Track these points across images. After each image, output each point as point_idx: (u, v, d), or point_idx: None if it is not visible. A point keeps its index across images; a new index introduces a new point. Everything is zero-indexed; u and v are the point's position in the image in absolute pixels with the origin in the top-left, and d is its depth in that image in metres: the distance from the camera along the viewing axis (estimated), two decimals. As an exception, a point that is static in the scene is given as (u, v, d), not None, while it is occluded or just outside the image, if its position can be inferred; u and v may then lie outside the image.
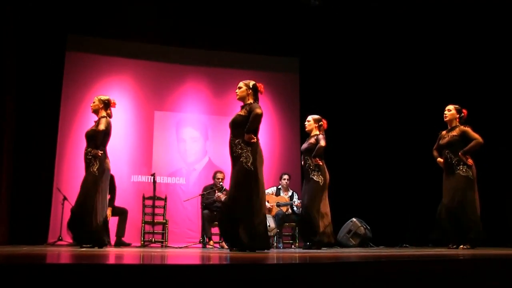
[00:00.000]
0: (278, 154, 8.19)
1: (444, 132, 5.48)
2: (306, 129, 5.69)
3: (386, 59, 8.14)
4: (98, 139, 5.02)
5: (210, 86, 8.18)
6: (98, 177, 4.96)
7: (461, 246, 5.10)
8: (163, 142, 7.89)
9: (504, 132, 6.86)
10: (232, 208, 4.25)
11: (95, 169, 4.96)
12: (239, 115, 4.43)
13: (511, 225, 6.64)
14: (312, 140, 5.52)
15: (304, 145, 5.62)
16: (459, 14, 7.26)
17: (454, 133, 5.33)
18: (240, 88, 4.52)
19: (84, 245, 4.96)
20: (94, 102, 5.28)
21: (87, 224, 4.84)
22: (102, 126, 5.05)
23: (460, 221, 5.10)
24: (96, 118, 5.26)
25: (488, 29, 7.16)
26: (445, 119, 5.48)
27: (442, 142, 5.42)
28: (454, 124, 5.42)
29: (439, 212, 5.35)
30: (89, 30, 7.63)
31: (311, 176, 5.40)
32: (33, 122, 7.12)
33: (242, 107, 4.50)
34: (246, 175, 4.25)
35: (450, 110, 5.45)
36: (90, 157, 5.01)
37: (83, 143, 5.20)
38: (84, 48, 7.68)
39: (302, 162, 5.65)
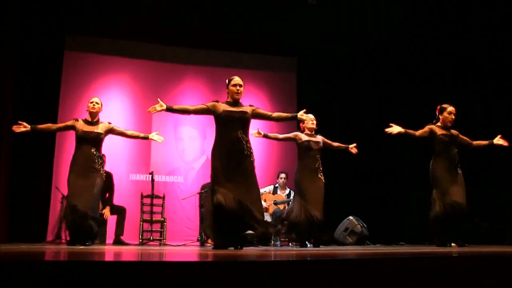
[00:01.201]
0: (275, 153, 8.21)
1: (446, 132, 5.30)
2: (314, 128, 5.71)
3: (384, 58, 8.14)
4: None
5: (208, 85, 8.19)
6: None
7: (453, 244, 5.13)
8: (161, 141, 7.88)
9: (503, 131, 6.86)
10: (254, 205, 4.25)
11: (103, 173, 5.15)
12: (248, 113, 4.41)
13: (507, 223, 6.65)
14: (320, 139, 5.68)
15: (319, 145, 5.66)
16: (459, 15, 7.28)
17: (456, 133, 5.32)
18: (241, 86, 4.47)
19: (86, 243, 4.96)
20: (98, 104, 5.25)
21: (92, 225, 4.95)
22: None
23: (463, 219, 5.08)
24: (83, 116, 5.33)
25: (484, 28, 7.19)
26: (451, 122, 5.33)
27: (459, 140, 5.31)
28: (450, 126, 5.37)
29: (449, 210, 5.11)
30: (87, 30, 7.63)
31: (319, 176, 5.50)
32: (32, 121, 7.09)
33: (239, 104, 4.46)
34: (254, 173, 4.41)
35: (455, 113, 5.34)
36: (101, 161, 5.11)
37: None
38: (82, 47, 7.68)
39: (310, 161, 5.59)
